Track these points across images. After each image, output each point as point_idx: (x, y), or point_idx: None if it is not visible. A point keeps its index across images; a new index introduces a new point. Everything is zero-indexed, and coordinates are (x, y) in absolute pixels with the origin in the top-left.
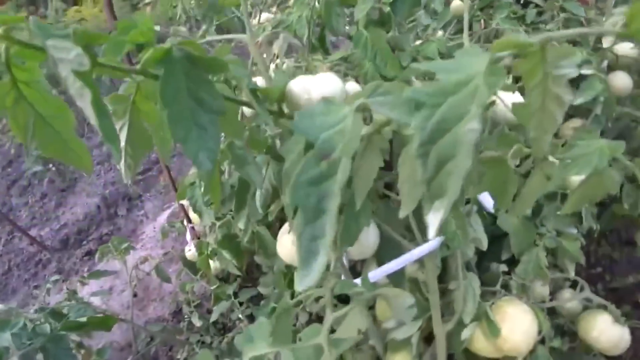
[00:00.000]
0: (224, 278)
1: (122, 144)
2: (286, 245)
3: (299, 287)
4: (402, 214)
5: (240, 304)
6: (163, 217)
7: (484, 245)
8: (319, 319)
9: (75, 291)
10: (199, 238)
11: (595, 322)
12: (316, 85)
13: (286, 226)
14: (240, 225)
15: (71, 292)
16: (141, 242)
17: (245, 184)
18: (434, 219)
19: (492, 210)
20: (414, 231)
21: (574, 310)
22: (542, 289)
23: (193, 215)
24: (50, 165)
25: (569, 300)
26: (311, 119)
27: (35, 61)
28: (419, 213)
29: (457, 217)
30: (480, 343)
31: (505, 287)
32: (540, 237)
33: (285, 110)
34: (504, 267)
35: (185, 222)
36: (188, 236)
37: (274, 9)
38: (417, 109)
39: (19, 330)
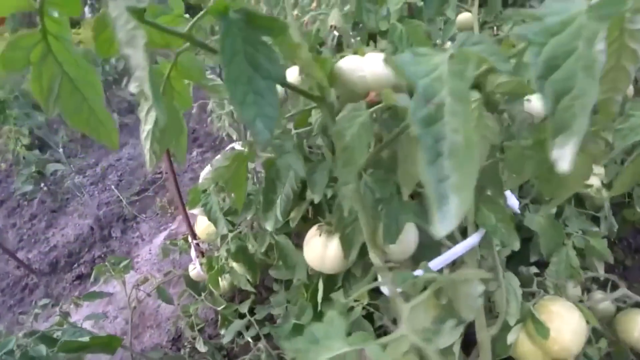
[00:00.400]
0: (231, 299)
1: (150, 126)
2: (316, 248)
3: (440, 231)
4: (404, 195)
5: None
6: (159, 239)
7: (517, 246)
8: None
9: (68, 313)
10: (203, 255)
11: (637, 322)
12: (369, 64)
13: (314, 230)
14: (269, 227)
15: (64, 315)
16: (136, 265)
17: (273, 183)
18: (562, 153)
19: (518, 211)
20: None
21: (607, 311)
22: (574, 291)
23: (199, 230)
24: (42, 185)
25: (602, 300)
26: (410, 65)
27: (67, 14)
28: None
29: (497, 211)
30: (524, 347)
31: (541, 288)
32: (568, 236)
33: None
34: (534, 269)
35: (189, 239)
36: (193, 253)
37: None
38: (530, 46)
39: (5, 356)
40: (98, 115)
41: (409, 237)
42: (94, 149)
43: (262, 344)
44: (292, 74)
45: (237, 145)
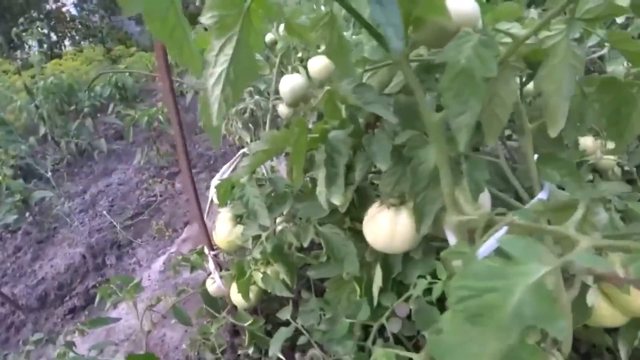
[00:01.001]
0: (252, 313)
1: (221, 67)
2: (383, 225)
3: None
4: (553, 132)
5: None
6: (158, 264)
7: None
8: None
9: (73, 343)
10: (221, 268)
11: None
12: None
13: (375, 207)
14: (336, 201)
15: (68, 345)
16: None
17: (331, 156)
18: None
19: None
20: (519, 191)
21: None
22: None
23: (219, 239)
24: (27, 215)
25: None
26: None
27: None
28: (523, 171)
29: (561, 166)
30: (602, 309)
31: None
32: (609, 202)
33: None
34: None
35: (206, 251)
36: (211, 266)
37: None
38: None
39: None
40: (184, 28)
41: (485, 199)
42: (80, 176)
43: (316, 352)
44: (317, 63)
45: (248, 148)
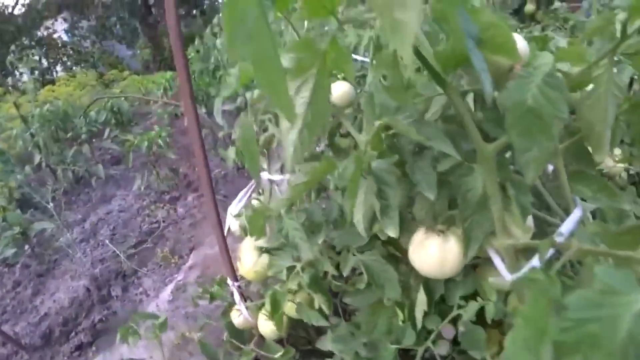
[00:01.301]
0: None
1: (302, 109)
2: (433, 251)
3: None
4: (599, 157)
5: None
6: (166, 293)
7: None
8: None
9: None
10: (245, 300)
11: None
12: None
13: (422, 234)
14: (392, 233)
15: None
16: (144, 324)
17: (379, 188)
18: None
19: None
20: (554, 209)
21: None
22: None
23: (246, 269)
24: (26, 247)
25: None
26: None
27: None
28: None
29: (591, 182)
30: None
31: None
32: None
33: None
34: None
35: (230, 282)
36: (236, 298)
37: None
38: None
39: None
40: (282, 73)
41: (530, 220)
42: (79, 204)
43: None
44: (339, 89)
45: (267, 175)
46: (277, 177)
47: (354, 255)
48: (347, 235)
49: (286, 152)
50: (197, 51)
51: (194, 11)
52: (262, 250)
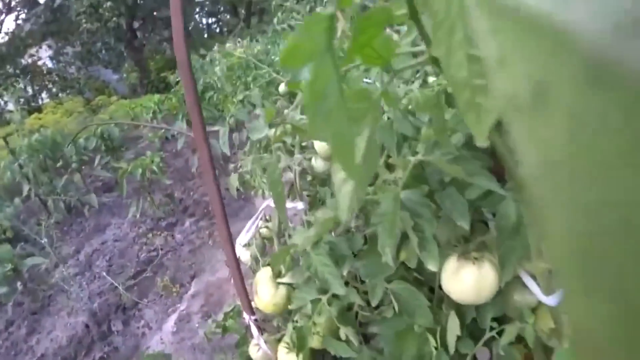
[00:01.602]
0: None
1: (347, 199)
2: (469, 279)
3: None
4: None
5: None
6: (170, 324)
7: None
8: None
9: None
10: (262, 333)
11: None
12: None
13: (455, 261)
14: (433, 267)
15: None
16: None
17: (414, 221)
18: None
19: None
20: None
21: None
22: None
23: (264, 302)
24: (18, 284)
25: None
26: None
27: None
28: None
29: None
30: None
31: None
32: None
33: None
34: None
35: (247, 316)
36: (255, 331)
37: None
38: None
39: None
40: (353, 142)
41: None
42: (71, 235)
43: None
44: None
45: (271, 203)
46: (289, 204)
47: (382, 284)
48: (373, 266)
49: (342, 204)
50: None
51: None
52: (280, 282)
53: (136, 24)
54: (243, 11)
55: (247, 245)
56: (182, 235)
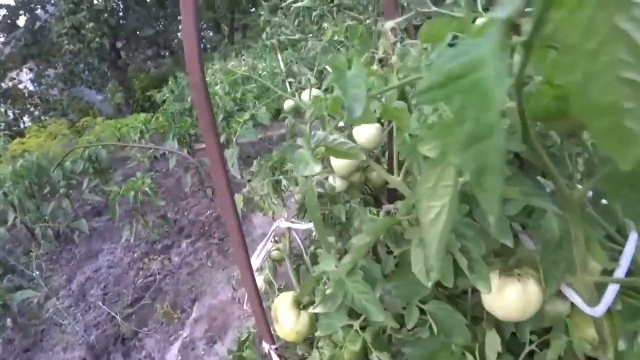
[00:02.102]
0: None
1: (445, 199)
2: (515, 295)
3: None
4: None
5: None
6: (173, 353)
7: None
8: None
9: None
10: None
11: None
12: None
13: (497, 277)
14: (484, 288)
15: None
16: None
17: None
18: None
19: None
20: (609, 233)
21: None
22: None
23: (286, 330)
24: (8, 320)
25: None
26: None
27: None
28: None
29: None
30: None
31: None
32: None
33: None
34: None
35: (267, 345)
36: None
37: None
38: None
39: None
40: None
41: None
42: (61, 263)
43: None
44: (366, 131)
45: (284, 222)
46: (300, 225)
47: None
48: (406, 287)
49: (430, 249)
50: (172, 91)
51: (163, 52)
52: (299, 307)
53: (119, 44)
54: (226, 27)
55: (259, 269)
56: (179, 258)
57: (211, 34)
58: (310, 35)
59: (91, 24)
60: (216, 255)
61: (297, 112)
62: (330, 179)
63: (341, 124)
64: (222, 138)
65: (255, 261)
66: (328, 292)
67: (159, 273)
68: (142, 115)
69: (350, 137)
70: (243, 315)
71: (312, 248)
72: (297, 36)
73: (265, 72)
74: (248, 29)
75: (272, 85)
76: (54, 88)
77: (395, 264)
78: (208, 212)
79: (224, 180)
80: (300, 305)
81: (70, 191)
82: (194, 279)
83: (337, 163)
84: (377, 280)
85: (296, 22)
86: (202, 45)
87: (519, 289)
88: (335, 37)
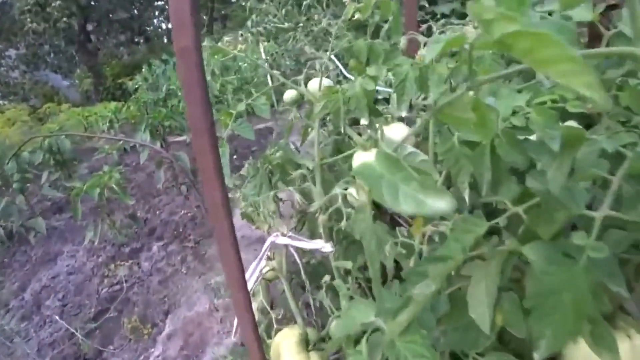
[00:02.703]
0: None
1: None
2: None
3: None
4: None
5: None
6: None
7: None
8: None
9: None
10: None
11: None
12: None
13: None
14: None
15: None
16: None
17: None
18: None
19: None
20: None
21: None
22: None
23: None
24: None
25: None
26: None
27: None
28: None
29: None
30: None
31: None
32: None
33: None
34: None
35: None
36: None
37: None
38: None
39: None
40: None
41: None
42: (14, 268)
43: None
44: (398, 132)
45: (283, 239)
46: (303, 244)
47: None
48: (460, 335)
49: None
50: (146, 79)
51: (137, 38)
52: (306, 346)
53: (90, 27)
54: (205, 17)
55: (251, 294)
56: (149, 263)
57: None
58: (300, 25)
59: (58, 2)
60: (191, 260)
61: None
62: (352, 191)
63: (363, 121)
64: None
65: (248, 284)
66: (363, 348)
67: (126, 281)
68: (113, 104)
69: (371, 137)
70: (223, 330)
71: (306, 260)
72: (286, 25)
73: (246, 64)
74: (228, 20)
75: (255, 77)
76: (15, 70)
77: None
78: (182, 211)
79: (220, 196)
80: (308, 345)
81: (28, 185)
82: (167, 288)
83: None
84: (431, 328)
85: (284, 12)
86: None
87: (629, 346)
88: (356, 16)
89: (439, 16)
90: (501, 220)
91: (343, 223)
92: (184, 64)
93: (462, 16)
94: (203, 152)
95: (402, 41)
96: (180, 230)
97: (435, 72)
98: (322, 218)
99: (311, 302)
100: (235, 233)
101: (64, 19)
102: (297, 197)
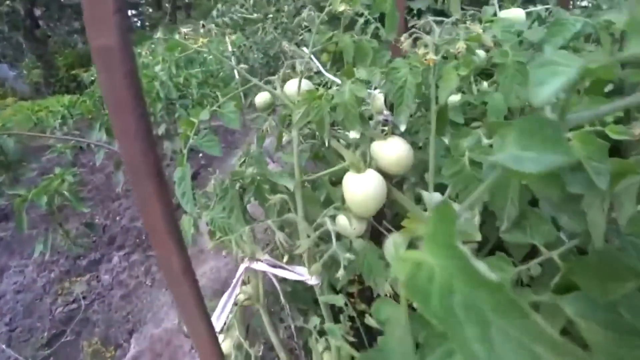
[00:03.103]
0: None
1: None
2: None
3: None
4: None
5: None
6: None
7: None
8: None
9: None
10: None
11: None
12: None
13: None
14: None
15: None
16: None
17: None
18: None
19: None
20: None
21: None
22: None
23: None
24: None
25: None
26: None
27: None
28: None
29: None
30: None
31: None
32: None
33: None
34: None
35: None
36: None
37: None
38: None
39: None
40: None
41: None
42: None
43: None
44: (395, 150)
45: (258, 264)
46: (284, 272)
47: None
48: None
49: None
50: None
51: None
52: None
53: (37, 11)
54: (168, 5)
55: (225, 329)
56: (110, 276)
57: (150, 10)
58: (270, 16)
59: None
60: (156, 270)
61: (274, 110)
62: (342, 220)
63: (353, 135)
64: (162, 129)
65: (218, 320)
66: None
67: (84, 298)
68: (66, 98)
69: (364, 154)
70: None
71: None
72: (255, 16)
73: (210, 57)
74: (192, 8)
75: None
76: None
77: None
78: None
79: (177, 261)
80: None
81: None
82: (131, 303)
83: (360, 201)
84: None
85: (252, 1)
86: (139, 22)
87: None
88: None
89: (414, 12)
90: (533, 267)
91: (331, 251)
92: (104, 70)
93: (438, 13)
94: (147, 200)
95: (405, 40)
96: (143, 237)
97: (443, 79)
98: (307, 254)
99: (292, 325)
100: (202, 297)
101: (7, 1)
102: (280, 236)
